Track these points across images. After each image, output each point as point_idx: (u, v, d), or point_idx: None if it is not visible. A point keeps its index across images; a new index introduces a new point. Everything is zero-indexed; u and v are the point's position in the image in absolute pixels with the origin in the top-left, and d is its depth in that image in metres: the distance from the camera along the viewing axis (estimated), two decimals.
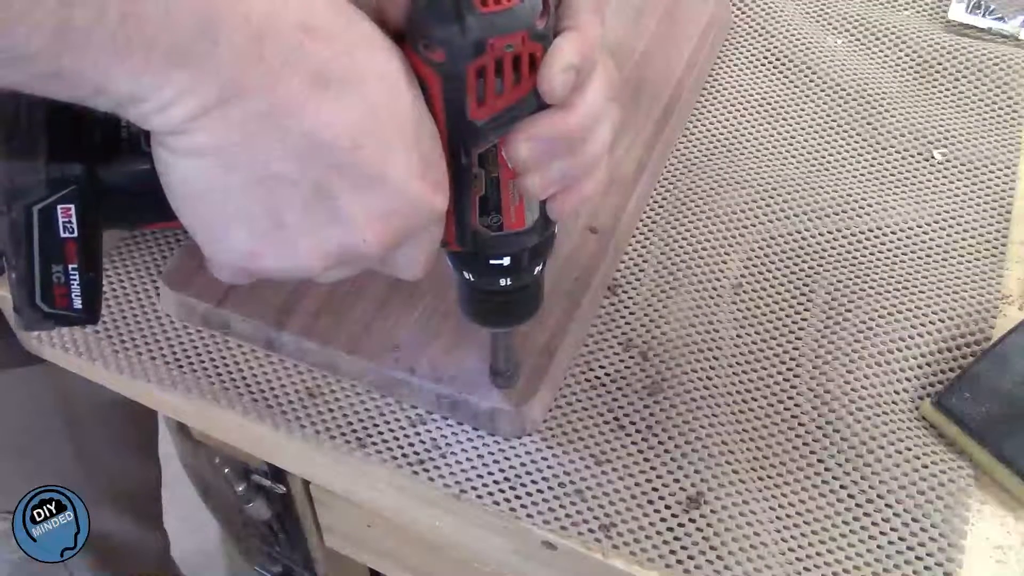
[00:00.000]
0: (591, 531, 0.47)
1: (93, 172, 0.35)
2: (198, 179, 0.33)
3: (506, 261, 0.40)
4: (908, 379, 0.52)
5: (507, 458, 0.50)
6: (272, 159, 0.32)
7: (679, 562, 0.46)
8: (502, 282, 0.41)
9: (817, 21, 0.72)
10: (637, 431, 0.50)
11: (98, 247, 0.37)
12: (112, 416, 0.77)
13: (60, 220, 0.35)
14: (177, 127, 0.31)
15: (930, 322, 0.54)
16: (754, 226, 0.59)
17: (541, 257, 0.42)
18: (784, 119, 0.65)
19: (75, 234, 0.35)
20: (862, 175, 0.62)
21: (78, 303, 0.37)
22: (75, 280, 0.36)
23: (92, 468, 0.77)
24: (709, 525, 0.47)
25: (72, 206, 0.35)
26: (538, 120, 0.36)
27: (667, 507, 0.48)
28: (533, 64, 0.34)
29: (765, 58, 0.69)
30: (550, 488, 0.48)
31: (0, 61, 0.28)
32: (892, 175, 0.62)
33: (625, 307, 0.55)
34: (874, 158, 0.63)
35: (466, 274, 0.42)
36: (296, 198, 0.33)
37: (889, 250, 0.58)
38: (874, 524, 0.47)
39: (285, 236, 0.34)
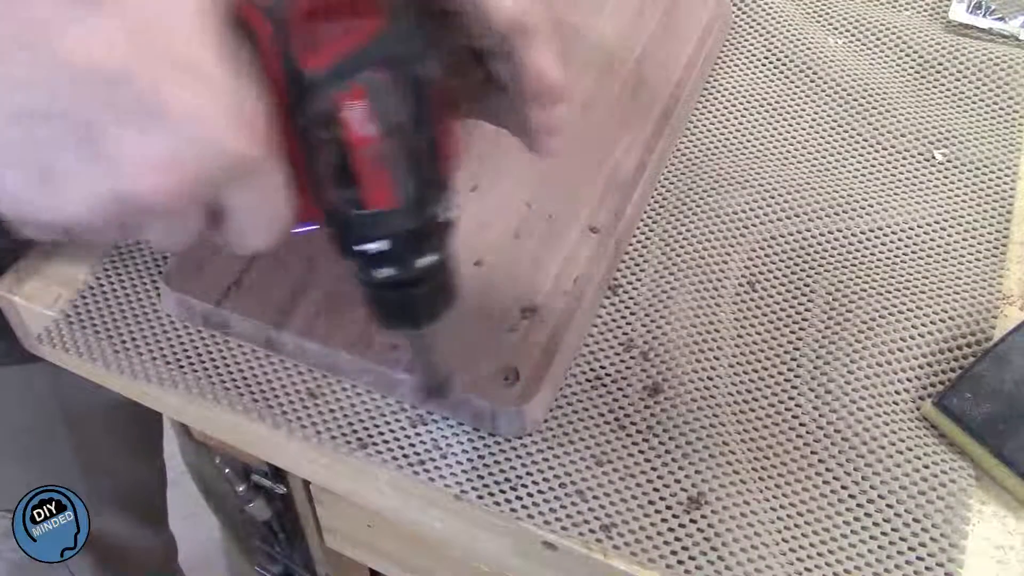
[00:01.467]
0: (592, 531, 0.47)
1: None
2: None
3: (377, 246, 0.33)
4: (909, 379, 0.52)
5: (507, 458, 0.50)
6: (25, 91, 0.28)
7: (680, 562, 0.46)
8: (381, 273, 0.35)
9: (817, 21, 0.72)
10: (638, 431, 0.50)
11: None
12: (114, 416, 0.77)
13: None
14: None
15: (931, 322, 0.54)
16: (755, 226, 0.59)
17: (424, 247, 0.35)
18: (784, 119, 0.65)
19: None
20: (862, 175, 0.62)
21: None
22: None
23: (93, 469, 0.77)
24: (710, 525, 0.47)
25: None
26: None
27: (668, 507, 0.48)
28: (371, 5, 0.30)
29: (765, 58, 0.69)
30: (550, 488, 0.48)
31: None
32: (893, 175, 0.62)
33: (626, 307, 0.55)
34: (874, 158, 0.63)
35: (347, 261, 0.35)
36: (61, 138, 0.29)
37: (890, 250, 0.58)
38: (875, 524, 0.47)
39: (55, 182, 0.30)
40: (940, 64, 0.68)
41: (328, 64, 0.30)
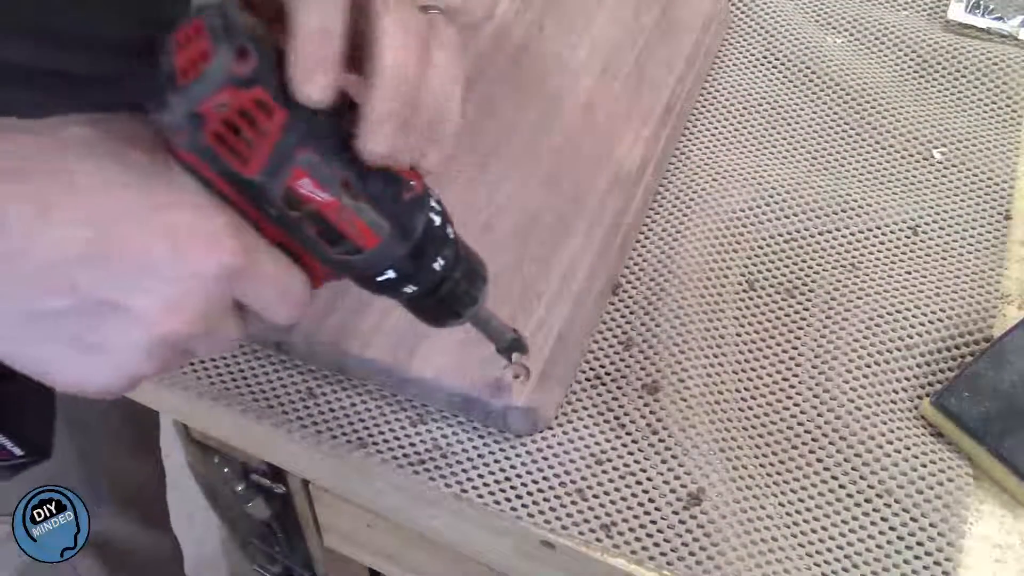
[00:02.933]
0: (591, 530, 0.47)
1: None
2: None
3: (391, 274, 0.38)
4: (908, 378, 0.52)
5: (507, 457, 0.50)
6: (27, 301, 0.32)
7: (680, 559, 0.46)
8: (407, 290, 0.39)
9: (817, 20, 0.72)
10: (637, 430, 0.50)
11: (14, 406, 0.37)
12: (110, 414, 0.77)
13: None
14: None
15: (929, 322, 0.54)
16: (754, 226, 0.59)
17: (431, 256, 0.39)
18: (784, 119, 0.65)
19: None
20: (861, 175, 0.62)
21: (19, 451, 0.38)
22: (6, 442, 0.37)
23: (91, 467, 0.77)
24: (711, 521, 0.47)
25: None
26: (372, 116, 0.34)
27: (668, 504, 0.48)
28: (265, 108, 0.33)
29: (765, 57, 0.69)
30: (550, 487, 0.49)
31: None
32: (891, 175, 0.62)
33: (626, 306, 0.55)
34: (873, 157, 0.63)
35: (377, 293, 0.40)
36: (82, 322, 0.33)
37: (889, 250, 0.58)
38: (873, 524, 0.47)
39: (98, 356, 0.34)
40: (939, 64, 0.68)
41: (264, 165, 0.34)
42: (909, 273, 0.57)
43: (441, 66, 0.36)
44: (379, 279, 0.39)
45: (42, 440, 0.38)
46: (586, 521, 0.47)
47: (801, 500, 0.48)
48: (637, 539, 0.47)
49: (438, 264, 0.40)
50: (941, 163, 0.63)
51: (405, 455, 0.50)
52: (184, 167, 0.34)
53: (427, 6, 0.39)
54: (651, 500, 0.48)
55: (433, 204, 0.39)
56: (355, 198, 0.36)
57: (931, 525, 0.47)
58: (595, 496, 0.48)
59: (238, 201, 0.35)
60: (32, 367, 0.34)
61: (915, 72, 0.68)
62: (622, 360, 0.53)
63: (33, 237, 0.31)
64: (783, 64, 0.69)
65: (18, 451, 0.38)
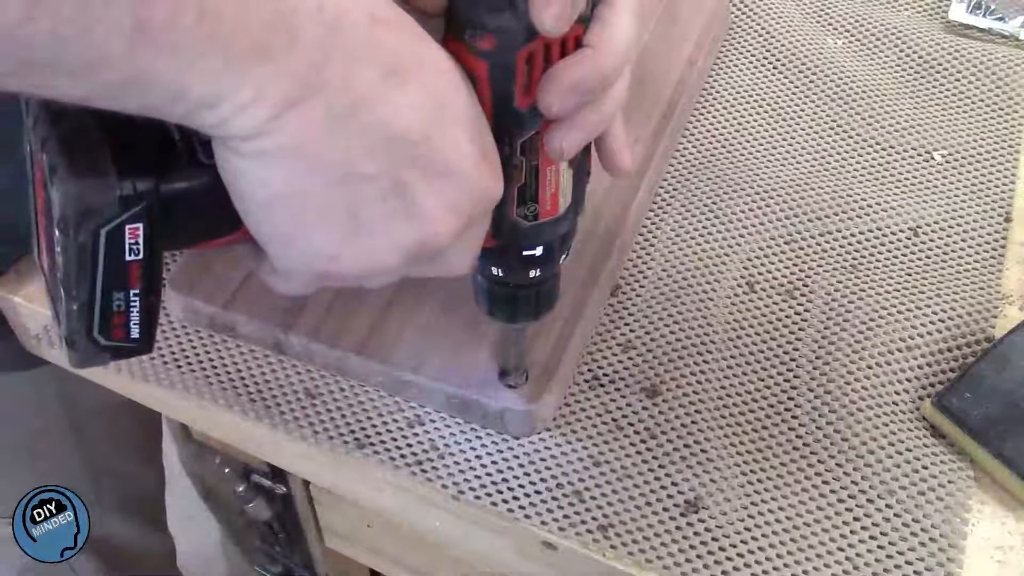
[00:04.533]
0: (589, 532, 0.47)
1: (158, 187, 0.33)
2: (277, 184, 0.32)
3: (538, 251, 0.40)
4: (908, 379, 0.52)
5: (506, 459, 0.49)
6: (352, 156, 0.32)
7: (676, 564, 0.46)
8: (531, 274, 0.41)
9: (817, 21, 0.72)
10: (636, 433, 0.50)
11: (160, 269, 0.34)
12: (116, 418, 0.77)
13: (127, 241, 0.32)
14: (256, 129, 0.30)
15: (930, 322, 0.54)
16: (754, 227, 0.59)
17: (567, 246, 0.41)
18: (784, 120, 0.65)
19: (140, 256, 0.33)
20: (862, 175, 0.62)
21: (136, 332, 0.35)
22: (135, 307, 0.34)
23: (96, 471, 0.77)
24: (708, 528, 0.47)
25: (140, 225, 0.32)
26: (570, 64, 0.34)
27: (664, 509, 0.48)
28: (578, 46, 0.34)
29: (765, 58, 0.69)
30: (548, 489, 0.48)
31: (76, 69, 0.27)
32: (892, 175, 0.62)
33: (625, 309, 0.55)
34: (874, 158, 0.63)
35: (494, 270, 0.41)
36: (374, 195, 0.33)
37: (889, 251, 0.58)
38: (875, 524, 0.47)
39: (363, 235, 0.34)
40: (940, 64, 0.68)
41: (535, 101, 0.35)
42: (910, 274, 0.57)
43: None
44: (525, 253, 0.40)
45: (153, 336, 0.36)
46: (583, 523, 0.47)
47: (802, 502, 0.48)
48: (635, 541, 0.47)
49: (563, 258, 0.42)
50: (942, 164, 0.62)
51: (403, 456, 0.50)
52: (465, 74, 0.34)
53: None
54: (648, 504, 0.48)
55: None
56: (569, 164, 0.37)
57: (932, 526, 0.47)
58: (592, 498, 0.48)
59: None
60: (289, 237, 0.33)
61: (916, 73, 0.68)
62: (620, 362, 0.53)
63: (375, 97, 0.31)
64: (783, 64, 0.69)
65: (136, 334, 0.35)
